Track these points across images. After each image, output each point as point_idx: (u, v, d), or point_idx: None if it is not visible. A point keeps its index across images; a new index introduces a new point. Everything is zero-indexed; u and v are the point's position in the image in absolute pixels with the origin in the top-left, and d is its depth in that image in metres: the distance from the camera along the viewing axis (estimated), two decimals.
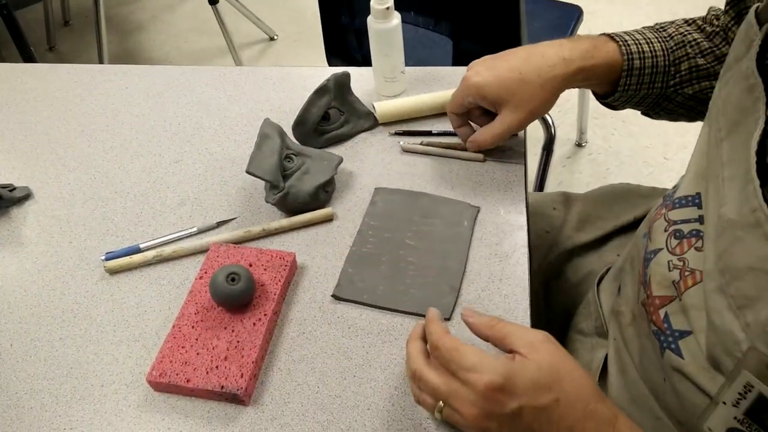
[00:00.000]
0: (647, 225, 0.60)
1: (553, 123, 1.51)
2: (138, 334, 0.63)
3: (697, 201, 0.52)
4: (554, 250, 0.82)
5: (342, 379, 0.58)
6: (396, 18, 0.79)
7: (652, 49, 0.66)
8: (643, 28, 0.70)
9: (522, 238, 0.68)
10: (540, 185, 1.63)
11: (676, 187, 0.57)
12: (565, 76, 0.66)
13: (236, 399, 0.56)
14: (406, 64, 0.85)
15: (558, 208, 0.86)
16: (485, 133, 0.71)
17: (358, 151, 0.79)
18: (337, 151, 0.79)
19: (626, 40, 0.66)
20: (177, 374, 0.57)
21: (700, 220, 0.51)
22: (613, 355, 0.62)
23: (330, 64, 1.35)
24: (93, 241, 0.73)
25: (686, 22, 0.70)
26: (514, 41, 1.11)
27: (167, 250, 0.69)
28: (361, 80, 0.88)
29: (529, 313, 0.62)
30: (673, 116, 0.73)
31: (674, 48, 0.67)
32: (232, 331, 0.60)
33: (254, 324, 0.60)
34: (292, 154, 0.73)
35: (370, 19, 0.79)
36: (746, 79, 0.46)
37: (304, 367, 0.59)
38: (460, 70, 0.78)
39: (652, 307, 0.53)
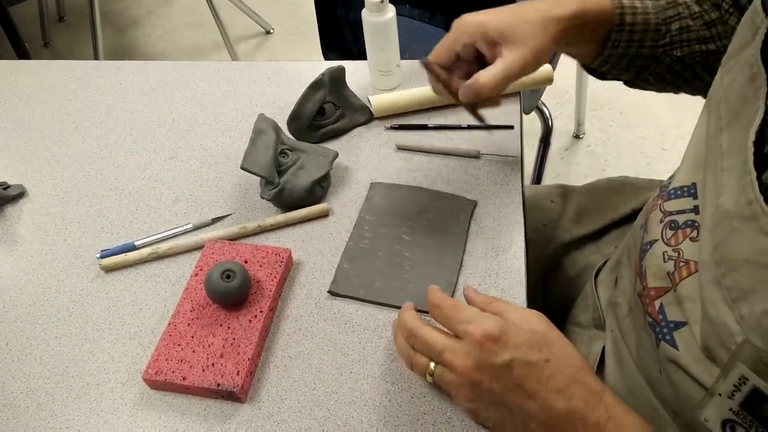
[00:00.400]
0: (644, 216, 0.59)
1: (550, 115, 1.50)
2: (134, 332, 0.63)
3: (692, 191, 0.52)
4: (552, 243, 0.82)
5: (338, 375, 0.58)
6: (391, 11, 0.78)
7: (644, 6, 0.65)
8: None
9: (519, 232, 0.68)
10: (537, 178, 1.63)
11: (672, 178, 0.56)
12: (563, 17, 0.62)
13: (233, 396, 0.56)
14: (402, 57, 0.85)
15: (555, 201, 0.85)
16: (485, 76, 0.60)
17: (354, 145, 0.79)
18: (332, 145, 0.78)
19: None
20: (173, 372, 0.57)
21: (696, 210, 0.50)
22: (610, 347, 0.62)
23: (326, 58, 1.34)
24: (88, 238, 0.72)
25: None
26: None
27: (162, 247, 0.69)
28: (356, 74, 0.88)
29: (525, 307, 0.61)
30: (661, 84, 0.71)
31: (666, 7, 0.65)
32: (228, 328, 0.60)
33: (250, 321, 0.60)
34: (287, 149, 0.73)
35: (364, 13, 0.78)
36: (749, 68, 0.45)
37: (300, 363, 0.59)
38: None
39: (647, 298, 0.53)
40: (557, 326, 0.75)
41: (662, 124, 1.82)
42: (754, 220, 0.40)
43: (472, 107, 0.64)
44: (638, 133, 1.82)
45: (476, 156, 0.75)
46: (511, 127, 0.78)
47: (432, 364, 0.50)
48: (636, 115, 1.86)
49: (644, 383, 0.56)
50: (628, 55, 0.67)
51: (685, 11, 0.65)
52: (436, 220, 0.69)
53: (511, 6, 0.63)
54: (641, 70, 0.69)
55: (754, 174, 0.41)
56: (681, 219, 0.51)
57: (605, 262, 0.71)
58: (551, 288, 0.81)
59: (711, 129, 0.49)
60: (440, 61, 0.63)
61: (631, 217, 0.78)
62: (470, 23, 0.62)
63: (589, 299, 0.69)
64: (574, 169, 1.76)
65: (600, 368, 0.64)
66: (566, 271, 0.80)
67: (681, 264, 0.49)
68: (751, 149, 0.42)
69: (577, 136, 1.83)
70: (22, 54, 1.89)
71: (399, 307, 0.62)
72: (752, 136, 0.42)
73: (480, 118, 0.65)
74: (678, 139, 1.79)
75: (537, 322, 0.49)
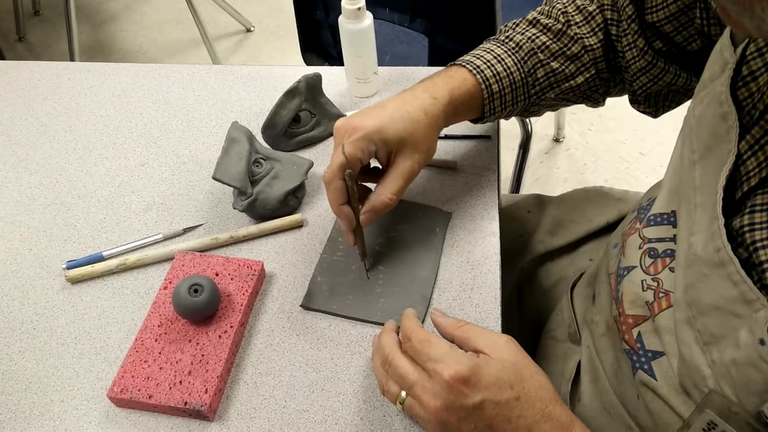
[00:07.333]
0: (620, 237, 0.59)
1: (530, 120, 1.50)
2: (99, 347, 0.62)
3: (672, 219, 0.51)
4: (527, 255, 0.81)
5: (310, 392, 0.57)
6: (368, 18, 0.77)
7: (505, 67, 0.64)
8: (491, 42, 0.67)
9: (494, 244, 0.67)
10: (516, 185, 1.63)
11: (651, 200, 0.56)
12: (443, 111, 0.62)
13: (200, 415, 0.55)
14: (383, 59, 0.84)
15: (532, 211, 0.85)
16: (388, 192, 0.59)
17: (330, 154, 0.77)
18: (307, 154, 0.77)
19: (478, 66, 0.64)
20: (139, 390, 0.55)
21: (675, 239, 0.50)
22: (586, 364, 0.62)
23: (305, 60, 1.32)
24: (54, 248, 0.70)
25: (531, 23, 0.67)
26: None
27: (131, 258, 0.67)
28: (333, 80, 0.87)
29: (500, 322, 0.61)
30: (551, 109, 0.72)
31: (526, 58, 0.65)
32: (197, 344, 0.58)
33: (220, 336, 0.59)
34: (261, 158, 0.71)
35: (341, 19, 0.77)
36: (720, 105, 0.44)
37: (271, 380, 0.58)
38: (435, 70, 0.77)
39: (624, 325, 0.52)
40: (532, 338, 0.75)
41: (641, 128, 1.83)
42: (722, 267, 0.40)
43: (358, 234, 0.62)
44: (617, 138, 1.83)
45: (453, 167, 0.74)
46: (488, 137, 0.77)
47: (403, 393, 0.49)
48: (615, 119, 1.87)
49: (619, 402, 0.56)
50: (505, 112, 0.67)
51: (546, 54, 0.65)
52: (411, 232, 0.68)
53: (393, 104, 0.61)
54: (524, 113, 0.70)
55: (721, 221, 0.41)
56: (660, 247, 0.51)
57: (581, 275, 0.71)
58: (526, 300, 0.81)
59: (685, 160, 0.49)
60: (355, 166, 0.59)
61: (606, 230, 0.78)
62: (372, 131, 0.58)
63: (564, 313, 0.68)
64: (553, 172, 1.76)
65: (575, 383, 0.63)
66: (541, 283, 0.80)
67: (660, 295, 0.49)
68: (720, 195, 0.41)
69: (556, 140, 1.84)
70: None
71: (372, 323, 0.62)
72: (723, 181, 0.42)
73: (364, 253, 0.64)
74: (656, 144, 1.80)
75: (506, 348, 0.48)
